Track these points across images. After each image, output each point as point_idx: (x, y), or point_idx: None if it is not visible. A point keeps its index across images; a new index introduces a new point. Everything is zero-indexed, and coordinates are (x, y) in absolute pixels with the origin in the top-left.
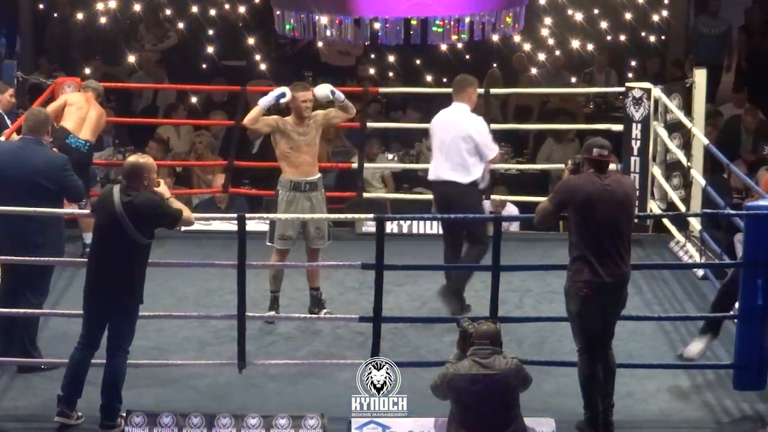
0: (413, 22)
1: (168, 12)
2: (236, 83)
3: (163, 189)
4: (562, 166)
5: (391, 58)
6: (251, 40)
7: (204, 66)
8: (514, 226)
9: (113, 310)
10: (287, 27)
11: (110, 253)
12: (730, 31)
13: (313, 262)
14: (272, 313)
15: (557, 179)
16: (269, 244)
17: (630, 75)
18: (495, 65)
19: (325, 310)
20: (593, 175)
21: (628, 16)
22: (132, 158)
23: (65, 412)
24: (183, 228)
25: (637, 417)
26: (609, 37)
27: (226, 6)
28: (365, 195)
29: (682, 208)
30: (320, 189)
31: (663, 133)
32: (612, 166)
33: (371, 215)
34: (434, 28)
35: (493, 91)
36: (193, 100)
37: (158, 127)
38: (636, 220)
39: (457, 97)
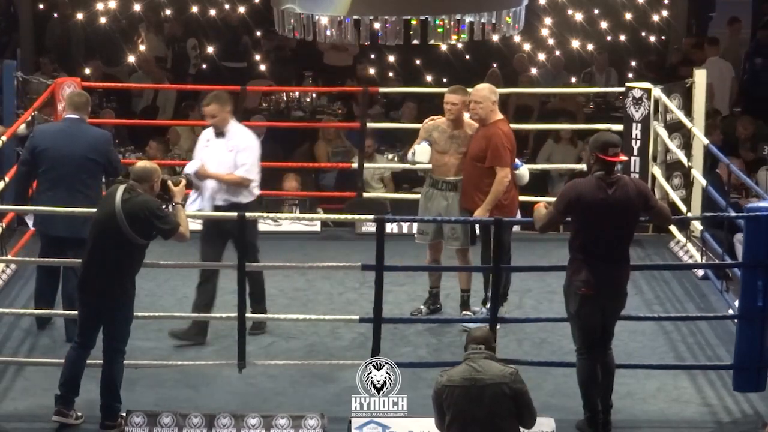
0: (413, 22)
1: (168, 12)
2: (236, 84)
3: (179, 190)
4: (565, 166)
5: (391, 58)
6: (251, 41)
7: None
8: (514, 227)
9: (105, 305)
10: (288, 26)
11: (105, 249)
12: None
13: (463, 264)
14: (423, 307)
15: (557, 179)
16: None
17: (630, 75)
18: (495, 65)
19: (469, 312)
20: (600, 180)
21: (628, 16)
22: (142, 162)
23: (63, 412)
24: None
25: (637, 417)
26: (609, 37)
27: (226, 6)
28: (365, 195)
29: (683, 208)
30: (459, 191)
31: (663, 133)
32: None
33: (371, 216)
34: (440, 29)
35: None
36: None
37: (164, 128)
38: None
39: None
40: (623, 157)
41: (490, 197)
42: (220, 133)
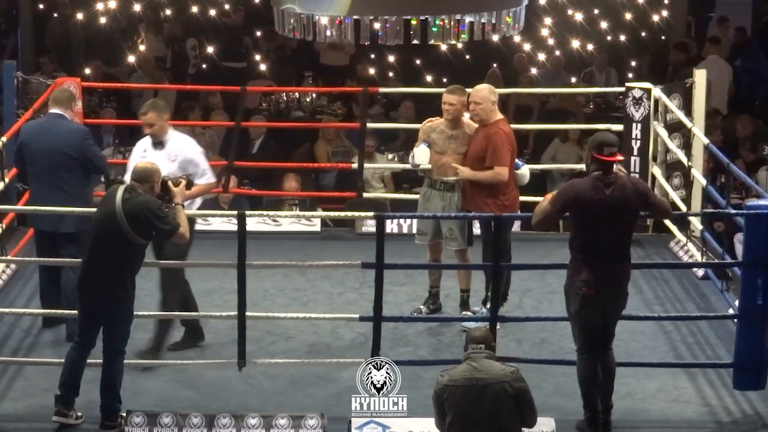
0: (413, 22)
1: (168, 12)
2: (237, 84)
3: (179, 191)
4: (566, 166)
5: (391, 58)
6: (251, 41)
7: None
8: (515, 226)
9: (105, 305)
10: (288, 26)
11: (105, 249)
12: None
13: (461, 263)
14: (422, 307)
15: (560, 178)
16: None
17: (630, 75)
18: (495, 65)
19: (468, 312)
20: (597, 180)
21: (628, 16)
22: (143, 162)
23: (62, 412)
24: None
25: (637, 417)
26: (609, 37)
27: (226, 6)
28: (365, 195)
29: (683, 207)
30: (457, 191)
31: (663, 133)
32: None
33: (371, 213)
34: (434, 28)
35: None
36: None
37: None
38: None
39: None
40: (620, 157)
41: (479, 174)
42: (158, 143)
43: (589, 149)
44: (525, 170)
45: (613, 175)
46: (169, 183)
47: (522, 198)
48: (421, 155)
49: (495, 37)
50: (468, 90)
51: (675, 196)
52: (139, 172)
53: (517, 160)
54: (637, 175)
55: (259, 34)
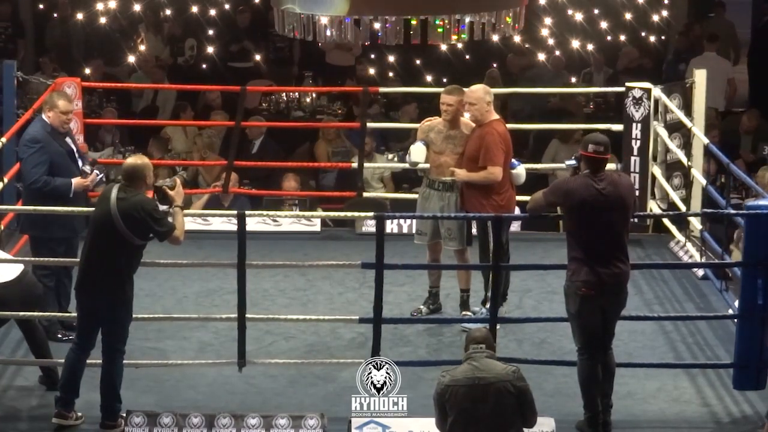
0: (413, 22)
1: (168, 12)
2: (238, 84)
3: (176, 192)
4: (562, 165)
5: (391, 58)
6: (252, 42)
7: (204, 66)
8: (515, 226)
9: (102, 307)
10: (288, 26)
11: (102, 249)
12: None
13: (461, 263)
14: (422, 307)
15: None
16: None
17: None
18: (495, 65)
19: (468, 313)
20: (588, 178)
21: (628, 16)
22: (130, 160)
23: (62, 413)
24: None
25: (637, 417)
26: (609, 37)
27: (227, 6)
28: (365, 195)
29: (683, 207)
30: (455, 191)
31: (663, 133)
32: (611, 166)
33: (371, 213)
34: (435, 28)
35: (492, 91)
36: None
37: (164, 128)
38: (636, 220)
39: None
40: (607, 156)
41: (473, 175)
42: None
43: (580, 149)
44: (521, 170)
45: (604, 173)
46: (164, 188)
47: (519, 198)
48: (417, 153)
49: (495, 37)
50: (465, 90)
51: (675, 196)
52: (127, 170)
53: (513, 160)
54: (637, 175)
55: (259, 34)
